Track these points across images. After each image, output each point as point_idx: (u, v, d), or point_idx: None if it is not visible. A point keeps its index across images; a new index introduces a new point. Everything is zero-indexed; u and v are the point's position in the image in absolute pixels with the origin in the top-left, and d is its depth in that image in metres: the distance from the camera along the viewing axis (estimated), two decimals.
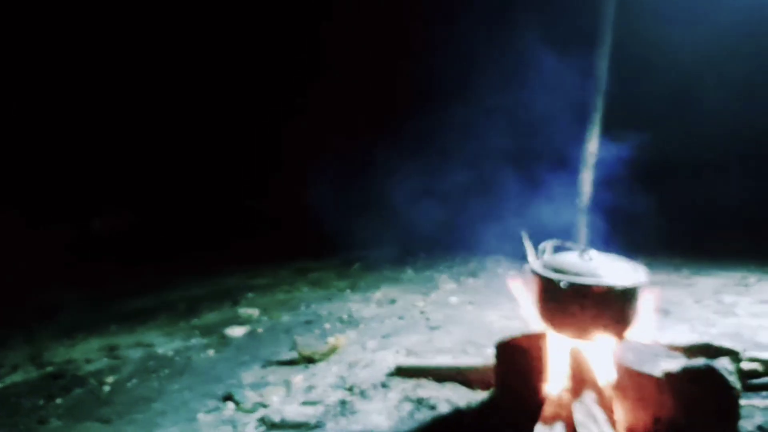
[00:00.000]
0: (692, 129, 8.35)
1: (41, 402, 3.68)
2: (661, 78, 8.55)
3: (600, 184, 5.73)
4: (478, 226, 6.83)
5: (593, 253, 2.72)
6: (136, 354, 4.56)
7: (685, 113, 8.53)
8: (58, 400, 3.70)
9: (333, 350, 4.13)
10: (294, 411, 3.17)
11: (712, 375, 2.18)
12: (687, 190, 8.23)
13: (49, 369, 4.34)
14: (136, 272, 8.19)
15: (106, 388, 3.85)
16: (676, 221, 7.29)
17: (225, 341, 4.76)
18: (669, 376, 2.26)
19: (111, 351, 4.65)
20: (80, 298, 6.79)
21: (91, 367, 4.31)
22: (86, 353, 4.67)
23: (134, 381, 3.94)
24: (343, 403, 3.21)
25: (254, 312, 5.66)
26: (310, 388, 3.52)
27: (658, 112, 8.58)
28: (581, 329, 2.62)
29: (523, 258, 2.93)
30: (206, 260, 8.88)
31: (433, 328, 4.70)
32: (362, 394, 3.31)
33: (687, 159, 8.54)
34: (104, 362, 4.41)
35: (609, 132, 6.04)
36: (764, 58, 8.15)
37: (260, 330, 5.05)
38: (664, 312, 4.59)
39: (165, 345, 4.75)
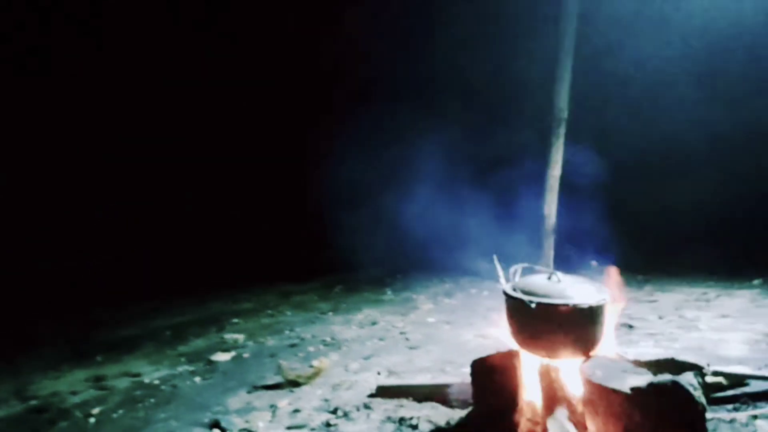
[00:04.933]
0: (656, 141, 8.54)
1: None
2: (625, 89, 8.78)
3: (563, 202, 5.90)
4: (452, 248, 7.03)
5: (560, 275, 2.89)
6: (122, 384, 4.58)
7: (649, 124, 8.75)
8: None
9: (317, 373, 4.23)
10: None
11: (677, 390, 2.27)
12: (648, 203, 8.45)
13: (34, 402, 4.31)
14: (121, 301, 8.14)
15: (92, 420, 3.85)
16: (639, 237, 7.51)
17: (211, 367, 4.82)
18: (636, 391, 2.35)
19: (97, 381, 4.66)
20: (66, 329, 6.75)
21: (76, 399, 4.31)
22: (72, 385, 4.66)
23: (121, 411, 3.97)
24: (327, 425, 3.31)
25: (239, 337, 5.73)
26: (295, 411, 3.61)
27: (621, 123, 8.80)
28: (551, 347, 2.76)
29: (495, 279, 3.09)
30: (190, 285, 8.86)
31: (412, 348, 4.84)
32: (346, 415, 3.42)
33: (649, 172, 8.78)
34: (90, 393, 4.42)
35: (572, 147, 6.23)
36: (730, 66, 8.35)
37: (246, 355, 5.13)
38: (629, 327, 4.79)
39: (151, 374, 4.79)
